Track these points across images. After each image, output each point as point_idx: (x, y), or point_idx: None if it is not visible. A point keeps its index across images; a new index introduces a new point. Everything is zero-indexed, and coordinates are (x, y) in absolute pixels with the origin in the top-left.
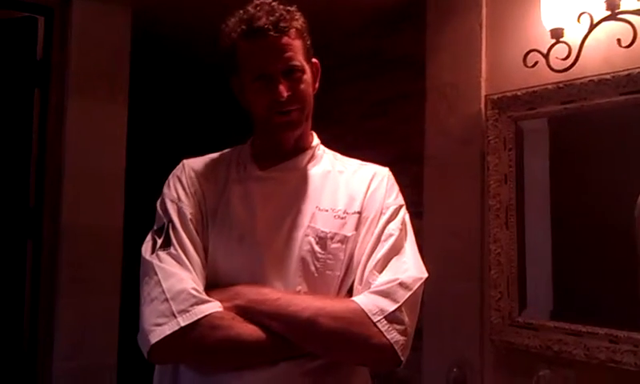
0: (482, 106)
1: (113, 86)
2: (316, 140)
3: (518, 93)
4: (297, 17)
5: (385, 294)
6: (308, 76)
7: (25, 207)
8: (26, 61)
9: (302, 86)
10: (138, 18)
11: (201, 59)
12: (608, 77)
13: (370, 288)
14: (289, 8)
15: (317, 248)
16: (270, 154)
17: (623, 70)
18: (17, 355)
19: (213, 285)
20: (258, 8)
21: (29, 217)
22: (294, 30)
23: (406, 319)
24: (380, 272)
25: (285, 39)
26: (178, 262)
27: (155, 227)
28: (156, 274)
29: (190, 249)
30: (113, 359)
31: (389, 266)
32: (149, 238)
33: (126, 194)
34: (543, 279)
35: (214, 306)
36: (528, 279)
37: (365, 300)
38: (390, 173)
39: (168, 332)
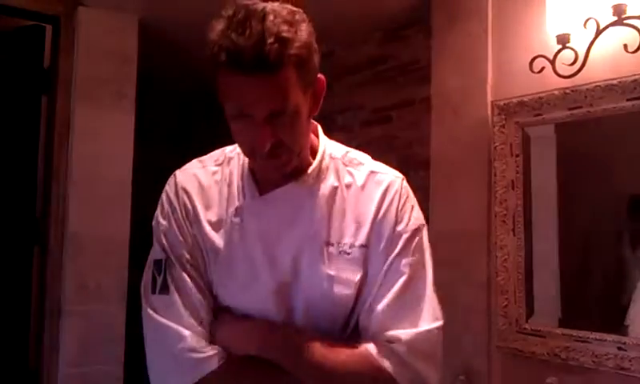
0: (489, 111)
1: (119, 93)
2: (321, 144)
3: (525, 99)
4: (296, 39)
5: (404, 357)
6: (303, 111)
7: (31, 216)
8: (33, 69)
9: (292, 129)
10: (144, 25)
11: (205, 66)
12: (615, 82)
13: (383, 341)
14: (285, 29)
15: (326, 291)
16: (268, 178)
17: (630, 76)
18: (23, 363)
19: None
20: (245, 30)
21: (35, 226)
22: (288, 62)
23: (426, 374)
24: (393, 322)
25: (273, 78)
26: (176, 313)
27: (154, 258)
28: (155, 329)
29: (191, 292)
30: (119, 368)
31: (403, 315)
32: (148, 270)
33: (133, 202)
34: (551, 285)
35: (212, 365)
36: (535, 285)
37: (386, 359)
38: (404, 182)
39: None
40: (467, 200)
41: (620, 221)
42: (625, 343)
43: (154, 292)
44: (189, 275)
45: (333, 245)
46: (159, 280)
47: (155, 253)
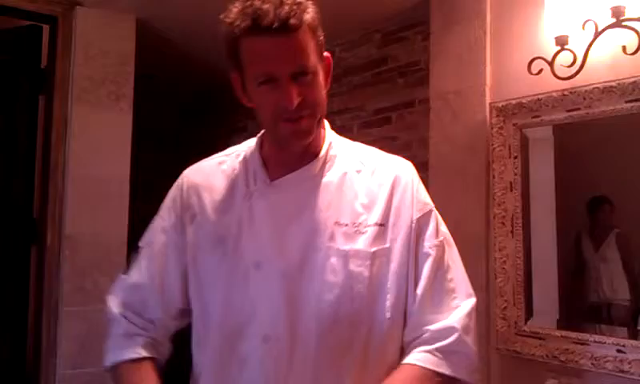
0: (487, 113)
1: (117, 94)
2: (329, 135)
3: (523, 100)
4: (309, 9)
5: (451, 353)
6: (320, 77)
7: (28, 216)
8: (30, 69)
9: (314, 90)
10: (142, 26)
11: (204, 65)
12: (613, 84)
13: (426, 339)
14: (299, 2)
15: (341, 267)
16: (280, 162)
17: (629, 78)
18: (20, 364)
19: (234, 315)
20: (267, 4)
21: (32, 226)
22: (305, 26)
23: (471, 351)
24: (431, 311)
25: (294, 38)
26: (120, 296)
27: (140, 242)
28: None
29: (145, 283)
30: None
31: (438, 301)
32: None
33: (131, 202)
34: (549, 287)
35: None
36: (534, 287)
37: (433, 362)
38: (413, 168)
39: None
40: (466, 202)
41: (582, 221)
42: (624, 346)
43: (125, 272)
44: (149, 270)
45: (347, 225)
46: (132, 263)
47: (142, 239)
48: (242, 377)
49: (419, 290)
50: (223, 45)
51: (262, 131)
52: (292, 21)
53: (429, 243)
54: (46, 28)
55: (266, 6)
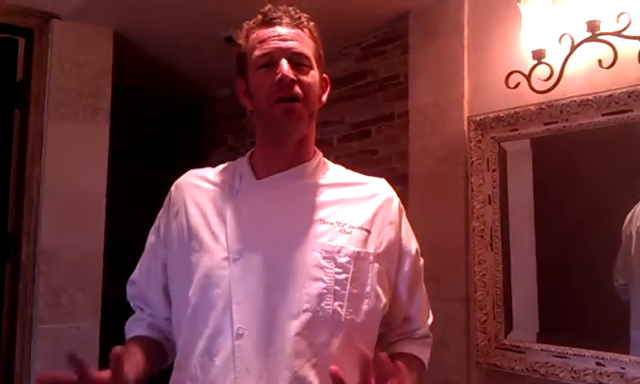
0: (465, 126)
1: (93, 107)
2: (319, 153)
3: (501, 114)
4: (313, 25)
5: (429, 343)
6: (316, 76)
7: (3, 232)
8: (5, 82)
9: (309, 82)
10: (119, 39)
11: (183, 79)
12: (590, 97)
13: (422, 338)
14: (307, 16)
15: (324, 263)
16: (269, 163)
17: (605, 91)
18: None
19: (208, 307)
20: (278, 7)
21: (7, 242)
22: (308, 30)
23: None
24: (420, 320)
25: (297, 31)
26: (133, 290)
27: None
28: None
29: (137, 282)
30: None
31: (424, 312)
32: None
33: (107, 216)
34: (529, 300)
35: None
36: (514, 301)
37: (424, 354)
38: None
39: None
40: (445, 215)
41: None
42: (603, 358)
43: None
44: (146, 266)
45: (332, 224)
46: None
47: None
48: (212, 372)
49: (415, 304)
50: (236, 48)
51: (252, 149)
52: (297, 19)
53: (419, 264)
54: (21, 41)
55: (277, 8)
